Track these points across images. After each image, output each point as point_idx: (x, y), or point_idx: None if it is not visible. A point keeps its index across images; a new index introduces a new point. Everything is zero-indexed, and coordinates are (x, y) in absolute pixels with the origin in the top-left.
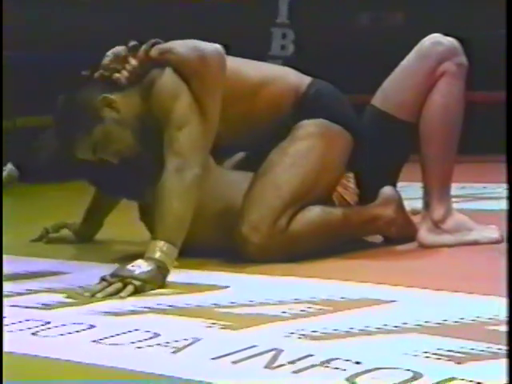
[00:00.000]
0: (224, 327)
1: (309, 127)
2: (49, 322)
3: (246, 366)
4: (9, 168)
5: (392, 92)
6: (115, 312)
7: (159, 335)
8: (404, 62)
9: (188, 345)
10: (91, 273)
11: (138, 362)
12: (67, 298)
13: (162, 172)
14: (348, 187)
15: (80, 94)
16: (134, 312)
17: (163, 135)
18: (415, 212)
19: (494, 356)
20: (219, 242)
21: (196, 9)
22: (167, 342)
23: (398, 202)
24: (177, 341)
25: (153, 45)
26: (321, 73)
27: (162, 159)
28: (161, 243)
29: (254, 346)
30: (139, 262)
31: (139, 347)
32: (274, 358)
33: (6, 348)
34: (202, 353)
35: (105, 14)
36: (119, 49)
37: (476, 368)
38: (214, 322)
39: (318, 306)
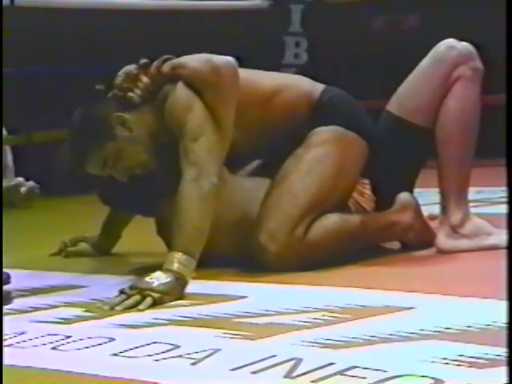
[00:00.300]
0: (243, 337)
1: (324, 134)
2: (69, 336)
3: (266, 375)
4: (30, 185)
5: (407, 97)
6: (134, 324)
7: (179, 347)
8: (419, 68)
9: (207, 356)
10: (110, 286)
11: (158, 374)
12: (86, 311)
13: (177, 185)
14: (364, 194)
15: (96, 108)
16: (152, 324)
17: (178, 149)
18: (433, 217)
19: None
20: (236, 251)
21: (209, 19)
22: (187, 354)
23: (416, 208)
24: (196, 352)
25: (164, 61)
26: (335, 80)
27: (177, 173)
28: (179, 254)
29: (274, 356)
30: (157, 273)
31: (159, 359)
32: (294, 368)
33: (26, 363)
34: (221, 364)
35: (119, 28)
36: (130, 67)
37: (496, 374)
38: (233, 332)
39: (337, 315)
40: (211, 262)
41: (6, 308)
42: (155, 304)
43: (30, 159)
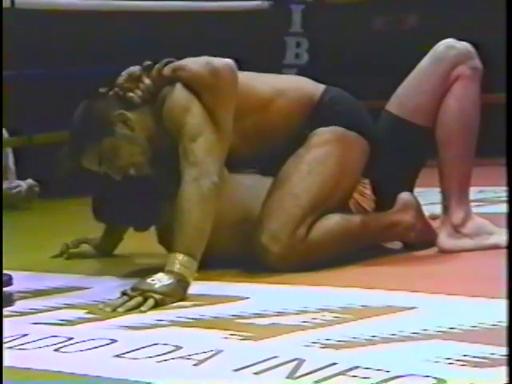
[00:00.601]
0: (245, 338)
1: (324, 134)
2: (71, 338)
3: (268, 376)
4: (29, 183)
5: (407, 97)
6: (136, 326)
7: (181, 348)
8: (419, 67)
9: (210, 357)
10: (112, 287)
11: (160, 375)
12: (88, 313)
13: (177, 188)
14: (365, 194)
15: (98, 104)
16: (155, 325)
17: (177, 152)
18: (434, 217)
19: None
20: (237, 252)
21: (210, 20)
22: (189, 355)
23: (417, 208)
24: (198, 353)
25: (166, 64)
26: (336, 80)
27: (177, 176)
28: (180, 256)
29: (276, 357)
30: (159, 275)
31: (161, 361)
32: (296, 368)
33: (28, 365)
34: (223, 364)
35: (119, 29)
36: (134, 69)
37: (499, 373)
38: (235, 333)
39: (339, 315)
40: (213, 263)
41: (8, 310)
42: (157, 305)
43: (32, 161)
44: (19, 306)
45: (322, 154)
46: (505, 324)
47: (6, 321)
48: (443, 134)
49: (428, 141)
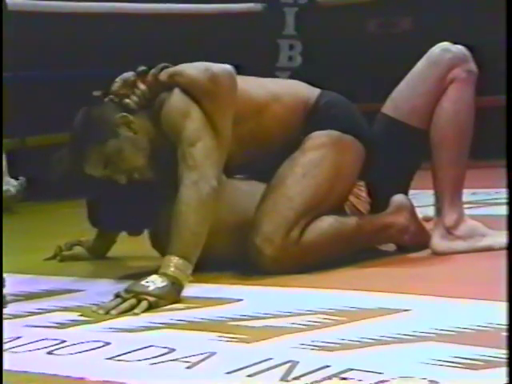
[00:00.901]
0: (239, 341)
1: (320, 138)
2: (64, 341)
3: (262, 379)
4: (19, 182)
5: (403, 99)
6: (130, 328)
7: (174, 350)
8: (414, 70)
9: (203, 359)
10: (105, 289)
11: (153, 377)
12: (81, 315)
13: (175, 193)
14: (360, 196)
15: (98, 109)
16: (148, 328)
17: (175, 157)
18: (427, 219)
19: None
20: (232, 255)
21: (203, 22)
22: (182, 357)
23: (410, 210)
24: (192, 355)
25: (162, 69)
26: (329, 83)
27: (175, 181)
28: (175, 259)
29: (270, 359)
30: (153, 277)
31: (154, 363)
32: (290, 370)
33: (21, 367)
34: (217, 367)
35: (114, 32)
36: (128, 74)
37: (492, 375)
38: (229, 335)
39: (333, 317)
40: (207, 266)
41: None
42: (151, 308)
43: (24, 164)
44: (12, 308)
45: (317, 157)
46: (496, 326)
47: None
48: (438, 137)
49: (423, 143)
